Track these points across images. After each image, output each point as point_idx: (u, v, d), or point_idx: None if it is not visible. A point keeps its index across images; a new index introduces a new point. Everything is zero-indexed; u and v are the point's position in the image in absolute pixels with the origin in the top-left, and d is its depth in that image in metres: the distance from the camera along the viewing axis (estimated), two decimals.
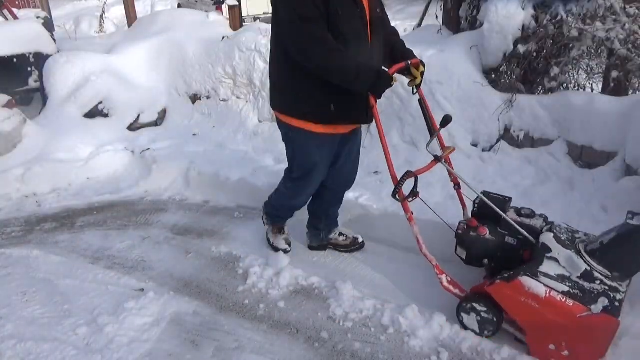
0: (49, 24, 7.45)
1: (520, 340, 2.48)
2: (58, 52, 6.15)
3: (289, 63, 2.62)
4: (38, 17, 7.21)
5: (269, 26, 5.89)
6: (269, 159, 4.62)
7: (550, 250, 2.36)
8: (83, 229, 3.88)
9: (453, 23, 5.13)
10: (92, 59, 5.64)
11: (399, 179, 2.55)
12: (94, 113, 5.36)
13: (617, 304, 2.12)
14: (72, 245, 3.63)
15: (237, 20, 6.70)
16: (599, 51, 4.13)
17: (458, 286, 2.67)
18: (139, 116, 5.56)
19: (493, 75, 4.28)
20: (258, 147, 4.92)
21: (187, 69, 5.77)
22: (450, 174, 2.83)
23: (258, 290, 3.05)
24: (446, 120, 2.51)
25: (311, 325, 2.76)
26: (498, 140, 4.11)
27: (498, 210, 2.55)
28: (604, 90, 4.03)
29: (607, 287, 2.19)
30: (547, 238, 2.44)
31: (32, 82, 6.16)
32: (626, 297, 2.22)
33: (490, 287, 2.43)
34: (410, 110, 4.32)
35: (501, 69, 4.26)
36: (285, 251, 3.35)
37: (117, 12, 12.49)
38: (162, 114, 5.76)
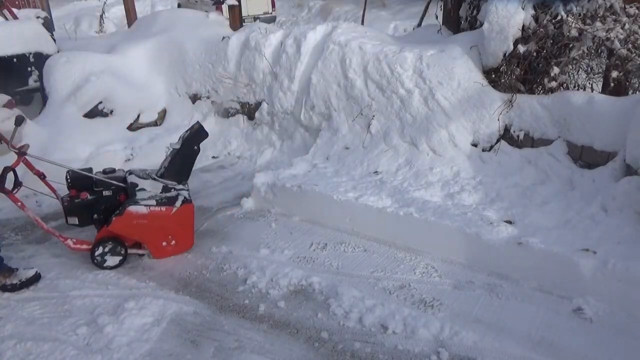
0: (49, 24, 7.45)
1: (141, 255, 3.41)
2: (58, 52, 6.15)
3: None
4: (38, 17, 7.21)
5: (269, 26, 5.93)
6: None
7: (137, 185, 3.37)
8: (83, 228, 3.88)
9: (453, 23, 5.13)
10: (92, 59, 5.64)
11: None
12: (94, 113, 5.36)
13: (187, 196, 3.41)
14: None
15: (237, 20, 6.68)
16: (599, 51, 4.13)
17: (84, 242, 3.36)
18: (138, 116, 5.56)
19: (493, 75, 4.27)
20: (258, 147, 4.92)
21: (187, 69, 5.76)
22: (31, 168, 3.31)
23: (258, 290, 3.05)
24: (18, 120, 3.27)
25: (311, 325, 2.76)
26: (498, 140, 4.11)
27: (87, 174, 3.33)
28: (604, 90, 4.02)
29: (178, 190, 3.41)
30: (132, 178, 3.41)
31: (32, 82, 6.15)
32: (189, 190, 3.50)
33: (109, 226, 3.25)
34: (410, 110, 4.32)
35: (501, 69, 4.25)
36: (38, 276, 3.14)
37: (117, 12, 12.50)
38: (162, 114, 5.76)
